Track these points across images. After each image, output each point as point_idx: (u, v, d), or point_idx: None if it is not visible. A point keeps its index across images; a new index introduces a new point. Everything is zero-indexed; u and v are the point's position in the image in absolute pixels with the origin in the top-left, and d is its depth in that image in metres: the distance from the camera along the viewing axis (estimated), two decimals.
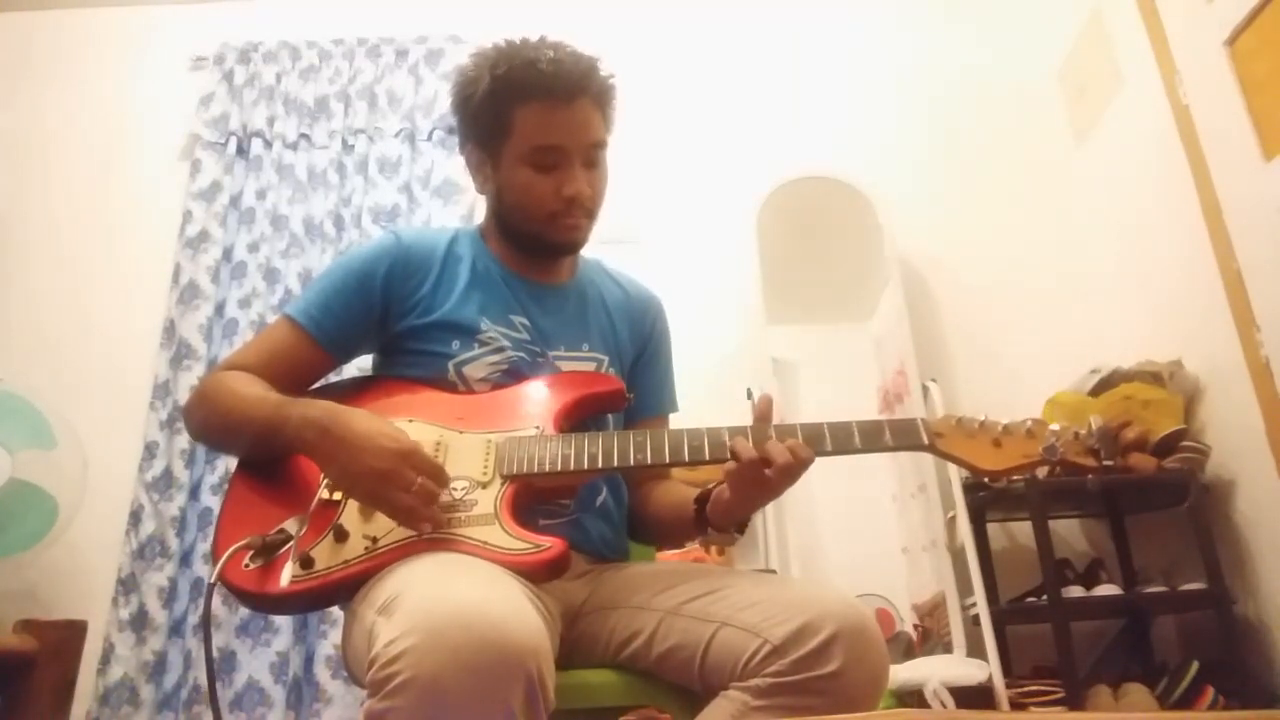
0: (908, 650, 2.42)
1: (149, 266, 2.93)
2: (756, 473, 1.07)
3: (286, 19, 3.23)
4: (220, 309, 2.85)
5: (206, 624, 1.18)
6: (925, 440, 1.11)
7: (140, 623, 2.50)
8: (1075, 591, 2.27)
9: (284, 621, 2.48)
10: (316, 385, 1.29)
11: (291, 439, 1.11)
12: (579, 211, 1.28)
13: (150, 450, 2.66)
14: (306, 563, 1.05)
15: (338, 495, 1.10)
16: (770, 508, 2.43)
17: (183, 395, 2.69)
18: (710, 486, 1.18)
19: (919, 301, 2.80)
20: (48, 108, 3.19)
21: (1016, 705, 2.12)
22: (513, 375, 1.26)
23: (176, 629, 2.53)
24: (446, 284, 1.29)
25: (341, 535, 1.07)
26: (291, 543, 1.07)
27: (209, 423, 1.22)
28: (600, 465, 1.14)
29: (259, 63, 3.13)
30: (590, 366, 1.32)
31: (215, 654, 2.43)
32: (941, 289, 2.91)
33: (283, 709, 2.40)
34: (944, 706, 2.03)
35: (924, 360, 2.62)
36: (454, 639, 0.82)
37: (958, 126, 3.06)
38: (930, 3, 3.25)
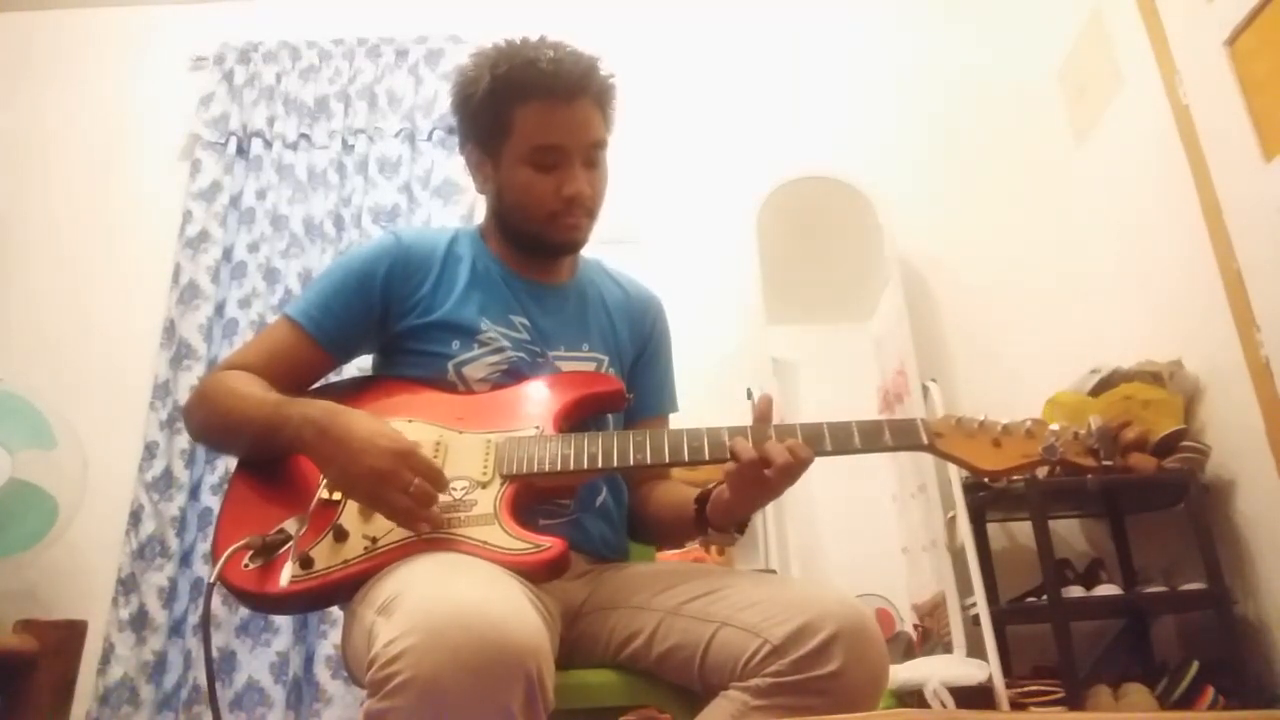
0: (908, 650, 2.43)
1: (149, 266, 2.93)
2: (756, 473, 1.07)
3: (286, 19, 3.23)
4: (220, 309, 2.85)
5: (206, 624, 1.18)
6: (925, 440, 1.11)
7: (140, 623, 2.50)
8: (1075, 591, 2.27)
9: (284, 621, 2.48)
10: (316, 385, 1.29)
11: (290, 439, 1.11)
12: (579, 211, 1.28)
13: (150, 450, 2.66)
14: (306, 563, 1.05)
15: (337, 495, 1.10)
16: (770, 508, 2.43)
17: (183, 395, 2.69)
18: (710, 487, 1.18)
19: (919, 301, 2.80)
20: (48, 108, 3.19)
21: (1016, 705, 2.12)
22: (512, 375, 1.26)
23: (176, 629, 2.53)
24: (446, 284, 1.29)
25: (341, 535, 1.07)
26: (291, 543, 1.07)
27: (209, 423, 1.22)
28: (600, 465, 1.14)
29: (259, 63, 3.13)
30: (590, 366, 1.32)
31: (215, 654, 2.44)
32: (941, 289, 2.91)
33: (283, 709, 2.40)
34: (944, 706, 2.03)
35: (924, 360, 2.62)
36: (454, 639, 0.82)
37: (958, 126, 3.06)
38: (930, 3, 3.25)
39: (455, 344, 1.25)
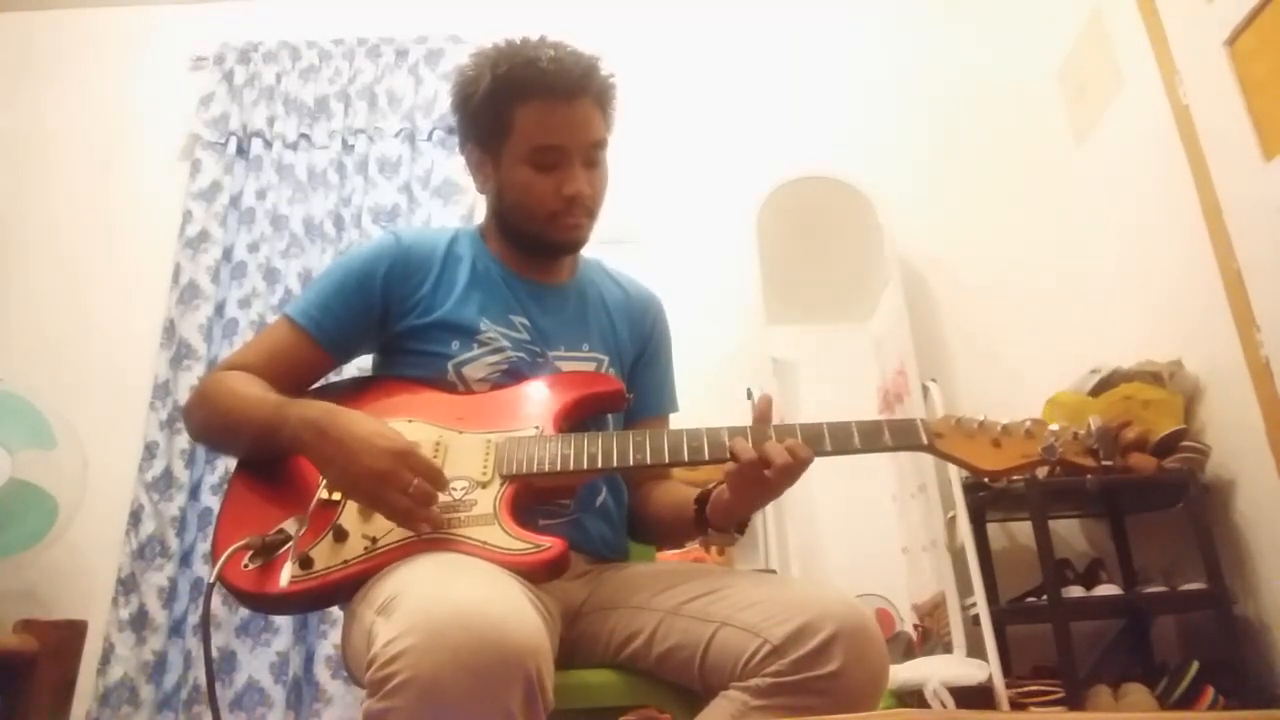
0: (908, 650, 2.43)
1: (149, 266, 2.94)
2: (756, 473, 1.07)
3: (286, 19, 3.23)
4: (220, 309, 2.85)
5: (206, 624, 1.18)
6: (924, 440, 1.11)
7: (140, 623, 2.50)
8: (1075, 591, 2.27)
9: (284, 621, 2.48)
10: (316, 385, 1.29)
11: (289, 440, 1.11)
12: (579, 211, 1.27)
13: (150, 450, 2.66)
14: (306, 563, 1.05)
15: (337, 495, 1.10)
16: (770, 508, 2.43)
17: (183, 395, 2.69)
18: (710, 487, 1.18)
19: (919, 301, 2.80)
20: (48, 108, 3.19)
21: (1016, 705, 2.12)
22: (512, 375, 1.26)
23: (176, 629, 2.54)
24: (446, 284, 1.29)
25: (341, 535, 1.07)
26: (291, 543, 1.07)
27: (208, 423, 1.22)
28: (600, 465, 1.14)
29: (259, 63, 3.13)
30: (590, 366, 1.32)
31: (215, 654, 2.44)
32: (941, 289, 2.91)
33: (283, 709, 2.40)
34: (944, 706, 2.03)
35: (924, 360, 2.62)
36: (453, 639, 0.82)
37: (958, 126, 3.06)
38: (930, 3, 3.25)
39: (455, 344, 1.25)
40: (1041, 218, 2.95)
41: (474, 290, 1.29)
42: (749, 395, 2.57)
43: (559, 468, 1.13)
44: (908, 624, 2.48)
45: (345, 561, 1.06)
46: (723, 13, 3.25)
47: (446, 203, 2.92)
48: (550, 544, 1.05)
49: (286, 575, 1.04)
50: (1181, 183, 2.35)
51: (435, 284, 1.29)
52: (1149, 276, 2.60)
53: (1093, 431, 1.10)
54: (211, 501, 2.62)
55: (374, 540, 1.06)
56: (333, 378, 1.32)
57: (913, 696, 2.11)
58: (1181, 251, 2.39)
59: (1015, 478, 2.18)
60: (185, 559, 2.60)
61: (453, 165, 2.93)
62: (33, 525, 2.37)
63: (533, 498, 1.15)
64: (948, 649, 2.28)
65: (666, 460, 1.13)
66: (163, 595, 2.53)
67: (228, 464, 2.53)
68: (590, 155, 1.27)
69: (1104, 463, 1.09)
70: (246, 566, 1.07)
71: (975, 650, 2.24)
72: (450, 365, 1.25)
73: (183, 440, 2.67)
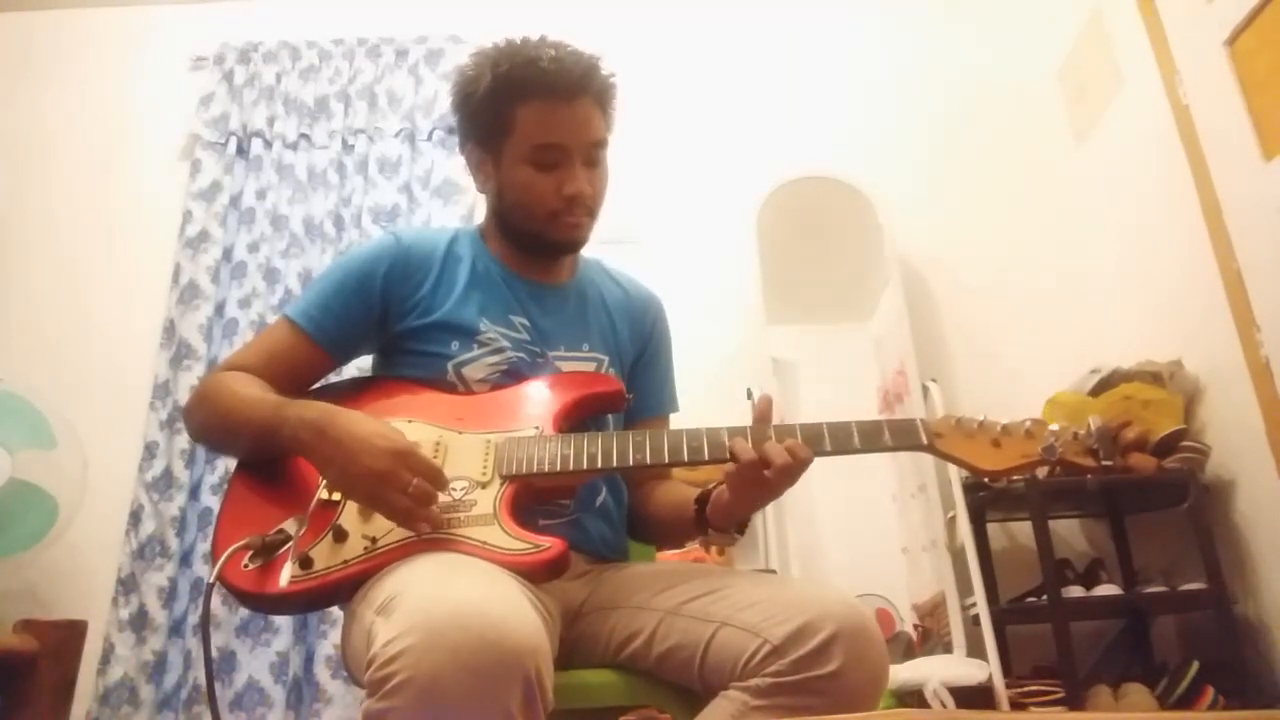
0: (908, 650, 2.42)
1: (149, 266, 2.94)
2: (756, 474, 1.07)
3: (286, 19, 3.23)
4: (220, 309, 2.85)
5: (205, 624, 1.18)
6: (924, 440, 1.11)
7: (140, 623, 2.50)
8: (1075, 591, 2.27)
9: (284, 621, 2.48)
10: (316, 386, 1.29)
11: (289, 440, 1.11)
12: (580, 210, 1.28)
13: (150, 450, 2.66)
14: (305, 563, 1.05)
15: (337, 495, 1.10)
16: (770, 508, 2.43)
17: (183, 395, 2.69)
18: (710, 487, 1.18)
19: (919, 301, 2.80)
20: (48, 108, 3.19)
21: (1016, 705, 2.12)
22: (512, 376, 1.26)
23: (176, 629, 2.54)
24: (446, 285, 1.29)
25: (340, 535, 1.07)
26: (291, 543, 1.07)
27: (208, 423, 1.22)
28: (600, 465, 1.14)
29: (259, 63, 3.13)
30: (590, 367, 1.32)
31: (215, 654, 2.44)
32: (941, 289, 2.91)
33: (283, 709, 2.40)
34: (944, 706, 2.03)
35: (924, 360, 2.62)
36: (453, 639, 0.82)
37: (958, 126, 3.06)
38: (930, 3, 3.25)
39: (455, 344, 1.25)
40: (1041, 218, 2.95)
41: (474, 290, 1.29)
42: (749, 395, 2.57)
43: (559, 468, 1.13)
44: (908, 624, 2.48)
45: (345, 561, 1.06)
46: (723, 13, 3.25)
47: (446, 203, 2.92)
48: (550, 544, 1.05)
49: (286, 575, 1.04)
50: (1181, 183, 2.35)
51: (435, 284, 1.29)
52: (1149, 276, 2.60)
53: (1093, 431, 1.10)
54: (211, 501, 2.62)
55: (374, 540, 1.06)
56: (333, 378, 1.32)
57: (913, 696, 2.11)
58: (1181, 251, 2.39)
59: (1015, 478, 2.18)
60: (185, 559, 2.60)
61: (453, 165, 2.93)
62: (33, 525, 2.37)
63: (533, 498, 1.15)
64: (948, 649, 2.28)
65: (666, 460, 1.13)
66: (163, 595, 2.53)
67: (228, 464, 2.53)
68: (591, 155, 1.27)
69: (1104, 463, 1.09)
70: (246, 566, 1.07)
71: (975, 650, 2.24)
72: (450, 365, 1.25)
73: (183, 440, 2.67)
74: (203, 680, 2.41)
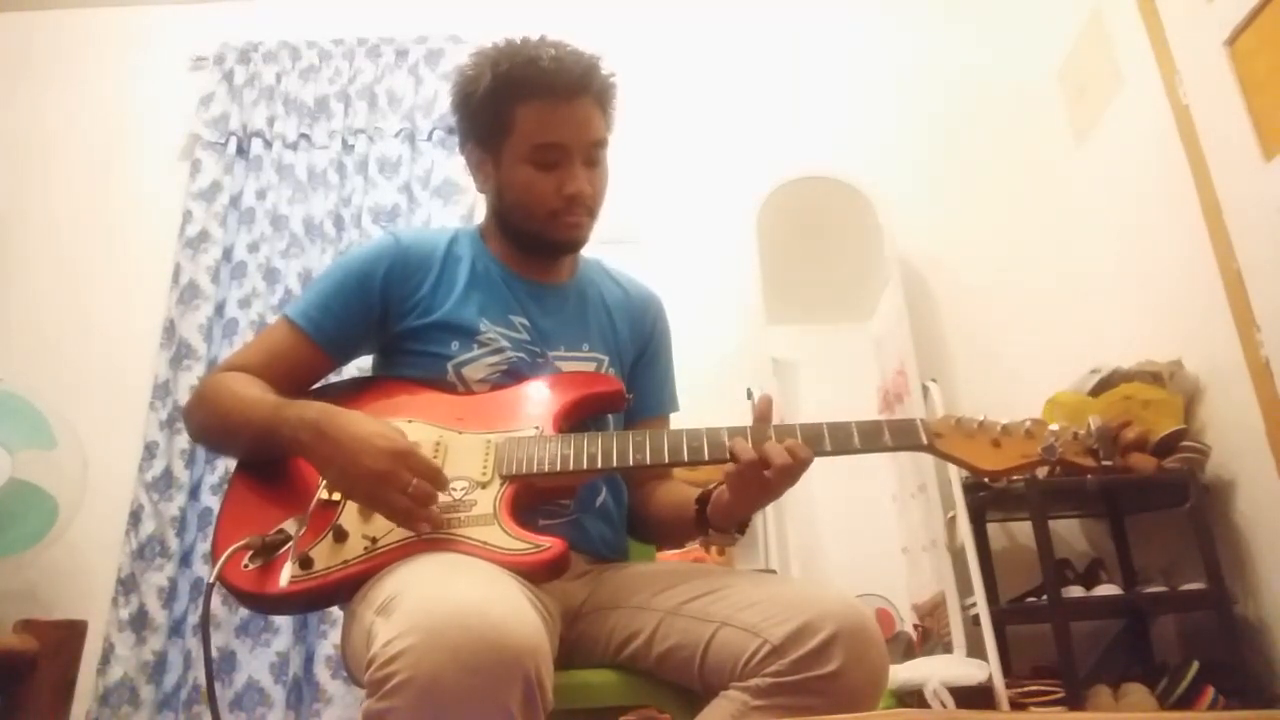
0: (908, 650, 2.42)
1: (149, 266, 2.94)
2: (756, 474, 1.07)
3: (286, 19, 3.23)
4: (220, 309, 2.85)
5: (205, 624, 1.18)
6: (924, 440, 1.11)
7: (140, 623, 2.50)
8: (1075, 591, 2.27)
9: (284, 621, 2.48)
10: (316, 386, 1.29)
11: (288, 440, 1.11)
12: (580, 210, 1.28)
13: (150, 450, 2.66)
14: (306, 563, 1.05)
15: (337, 495, 1.10)
16: (770, 508, 2.43)
17: (183, 395, 2.69)
18: (711, 487, 1.18)
19: (919, 301, 2.80)
20: (48, 108, 3.19)
21: (1016, 705, 2.12)
22: (512, 376, 1.26)
23: (176, 629, 2.54)
24: (446, 285, 1.29)
25: (341, 535, 1.07)
26: (291, 543, 1.07)
27: (208, 424, 1.22)
28: (600, 465, 1.14)
29: (259, 63, 3.13)
30: (590, 367, 1.32)
31: (215, 654, 2.44)
32: (941, 289, 2.91)
33: (283, 709, 2.40)
34: (944, 706, 2.03)
35: (924, 360, 2.62)
36: (453, 639, 0.82)
37: (958, 126, 3.06)
38: (930, 3, 3.25)
39: (455, 344, 1.25)
40: (1041, 218, 2.95)
41: (473, 291, 1.29)
42: (749, 395, 2.57)
43: (559, 468, 1.13)
44: (908, 624, 2.48)
45: (345, 562, 1.06)
46: (723, 13, 3.25)
47: (446, 203, 2.92)
48: (550, 544, 1.05)
49: (286, 575, 1.04)
50: (1181, 183, 2.35)
51: (435, 284, 1.29)
52: (1149, 276, 2.60)
53: (1093, 431, 1.10)
54: (211, 501, 2.62)
55: (374, 540, 1.06)
56: (333, 378, 1.32)
57: (913, 696, 2.11)
58: (1181, 251, 2.39)
59: (1015, 478, 2.18)
60: (185, 559, 2.60)
61: (453, 165, 2.93)
62: (33, 525, 2.37)
63: (533, 498, 1.15)
64: (948, 649, 2.28)
65: (666, 460, 1.13)
66: (163, 595, 2.53)
67: (228, 464, 2.53)
68: (591, 154, 1.27)
69: (1104, 463, 1.09)
70: (246, 566, 1.07)
71: (975, 650, 2.24)
72: (450, 366, 1.25)
73: (183, 440, 2.67)
74: (203, 680, 2.42)
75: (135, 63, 3.24)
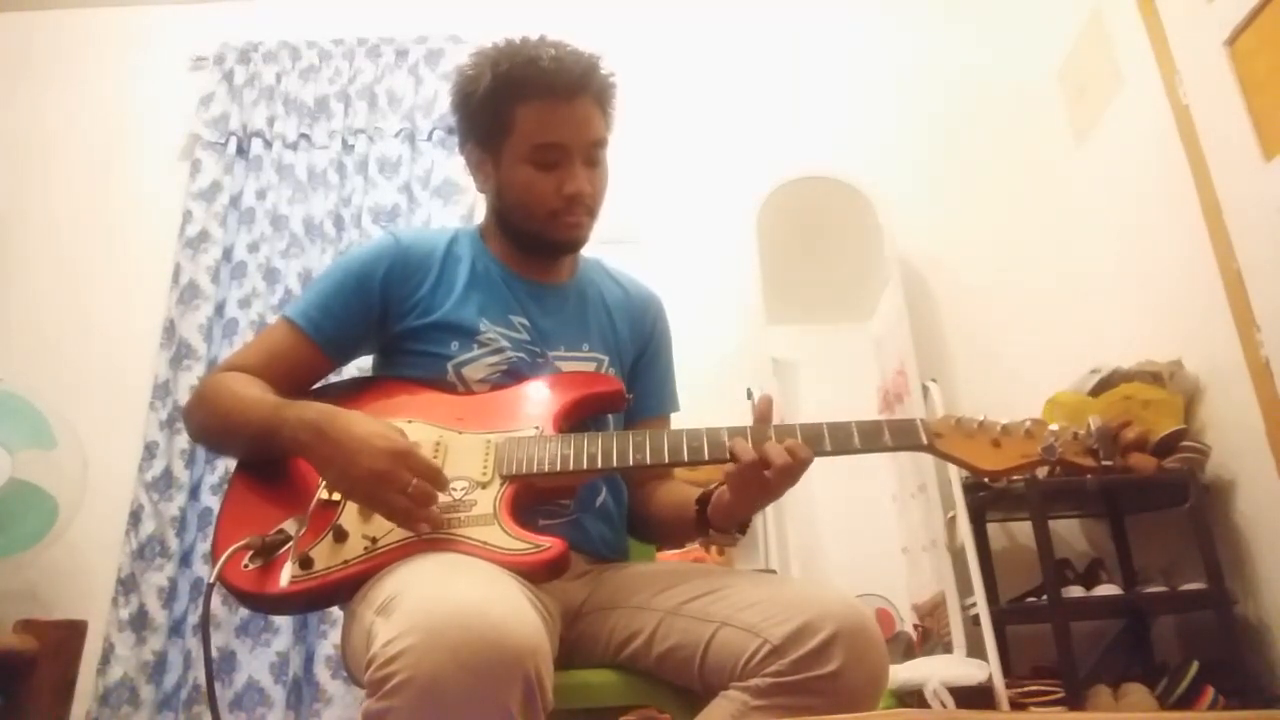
0: (908, 650, 2.42)
1: (149, 266, 2.94)
2: (756, 474, 1.07)
3: (286, 19, 3.23)
4: (220, 309, 2.85)
5: (205, 624, 1.18)
6: (924, 440, 1.11)
7: (140, 623, 2.50)
8: (1075, 591, 2.26)
9: (284, 621, 2.48)
10: (316, 386, 1.29)
11: (288, 441, 1.11)
12: (580, 209, 1.28)
13: (150, 450, 2.66)
14: (306, 563, 1.05)
15: (337, 495, 1.10)
16: (770, 508, 2.43)
17: (183, 395, 2.69)
18: (711, 487, 1.18)
19: (919, 301, 2.80)
20: (48, 108, 3.20)
21: (1016, 705, 2.12)
22: (512, 376, 1.25)
23: (176, 629, 2.54)
24: (445, 285, 1.29)
25: (341, 535, 1.07)
26: (291, 543, 1.07)
27: (208, 424, 1.22)
28: (600, 465, 1.14)
29: (259, 63, 3.13)
30: (590, 367, 1.32)
31: (215, 654, 2.44)
32: (941, 289, 2.91)
33: (283, 709, 2.40)
34: (944, 706, 2.03)
35: (924, 360, 2.62)
36: (453, 639, 0.82)
37: (958, 126, 3.06)
38: (930, 3, 3.25)
39: (454, 345, 1.25)
40: (1041, 218, 2.95)
41: (473, 291, 1.29)
42: (749, 395, 2.57)
43: (559, 468, 1.13)
44: (908, 624, 2.48)
45: (345, 562, 1.06)
46: (723, 13, 3.25)
47: (446, 203, 2.92)
48: (550, 544, 1.05)
49: (286, 575, 1.04)
50: (1181, 183, 2.35)
51: (434, 285, 1.29)
52: (1149, 276, 2.60)
53: (1093, 431, 1.10)
54: (211, 501, 2.62)
55: (374, 540, 1.06)
56: (333, 378, 1.32)
57: (913, 696, 2.11)
58: (1181, 251, 2.39)
59: (1015, 478, 2.18)
60: (185, 559, 2.60)
61: (453, 165, 2.93)
62: (33, 525, 2.37)
63: (533, 498, 1.15)
64: (948, 649, 2.28)
65: (666, 460, 1.13)
66: (163, 595, 2.53)
67: (228, 464, 2.53)
68: (591, 154, 1.27)
69: (1104, 463, 1.09)
70: (246, 566, 1.07)
71: (975, 650, 2.24)
72: (450, 366, 1.25)
73: (183, 440, 2.67)
74: (203, 680, 2.42)
75: (135, 63, 3.24)
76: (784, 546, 2.46)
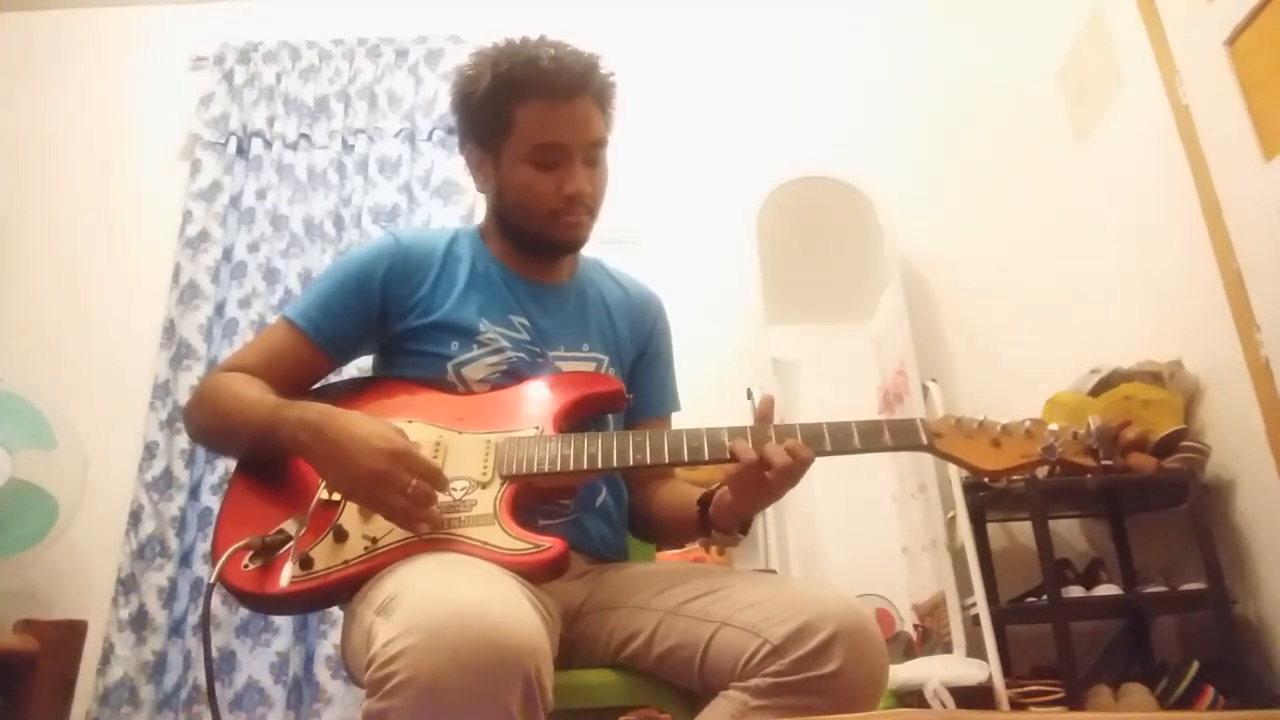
0: (908, 650, 2.43)
1: (149, 266, 2.94)
2: (757, 475, 1.07)
3: (286, 19, 3.23)
4: (220, 309, 2.85)
5: (206, 624, 1.18)
6: (924, 440, 1.11)
7: (140, 623, 2.50)
8: (1075, 591, 2.27)
9: (284, 621, 2.48)
10: (316, 386, 1.29)
11: (287, 441, 1.11)
12: (580, 209, 1.28)
13: (150, 450, 2.66)
14: (306, 563, 1.05)
15: (337, 496, 1.10)
16: (770, 508, 2.43)
17: (183, 395, 2.69)
18: (713, 488, 1.18)
19: (919, 301, 2.80)
20: (48, 108, 3.20)
21: (1016, 705, 2.12)
22: (512, 376, 1.25)
23: (176, 629, 2.54)
24: (445, 285, 1.29)
25: (341, 536, 1.07)
26: (291, 543, 1.07)
27: (207, 424, 1.22)
28: (600, 465, 1.14)
29: (259, 63, 3.13)
30: (590, 366, 1.32)
31: (215, 654, 2.44)
32: (941, 289, 2.91)
33: (283, 709, 2.40)
34: (944, 706, 2.03)
35: (924, 360, 2.62)
36: (452, 639, 0.82)
37: (958, 126, 3.06)
38: (930, 3, 3.25)
39: (454, 345, 1.25)
40: (1041, 218, 2.95)
41: (473, 291, 1.29)
42: (749, 395, 2.57)
43: (559, 468, 1.13)
44: (908, 624, 2.48)
45: (345, 562, 1.06)
46: (723, 13, 3.25)
47: (446, 203, 2.92)
48: (550, 544, 1.05)
49: (287, 575, 1.04)
50: (1181, 183, 2.35)
51: (434, 285, 1.29)
52: (1149, 276, 2.60)
53: (1093, 431, 1.10)
54: (211, 501, 2.62)
55: (374, 540, 1.06)
56: (333, 378, 1.32)
57: (913, 696, 2.11)
58: (1181, 251, 2.39)
59: (1015, 478, 2.18)
60: (185, 559, 2.60)
61: (453, 165, 2.93)
62: (33, 525, 2.37)
63: (533, 498, 1.15)
64: (948, 649, 2.28)
65: (666, 460, 1.13)
66: (163, 595, 2.53)
67: (228, 464, 2.53)
68: (591, 154, 1.27)
69: (1104, 463, 1.09)
70: (247, 567, 1.07)
71: (975, 650, 2.24)
72: (450, 366, 1.25)
73: (183, 440, 2.67)
74: (203, 680, 2.42)
75: (135, 63, 3.24)
76: (784, 546, 2.46)
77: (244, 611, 2.48)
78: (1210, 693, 2.08)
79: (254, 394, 1.18)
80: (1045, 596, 2.21)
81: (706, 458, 1.12)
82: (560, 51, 1.24)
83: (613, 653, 1.16)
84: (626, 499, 1.36)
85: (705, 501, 1.19)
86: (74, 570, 2.62)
